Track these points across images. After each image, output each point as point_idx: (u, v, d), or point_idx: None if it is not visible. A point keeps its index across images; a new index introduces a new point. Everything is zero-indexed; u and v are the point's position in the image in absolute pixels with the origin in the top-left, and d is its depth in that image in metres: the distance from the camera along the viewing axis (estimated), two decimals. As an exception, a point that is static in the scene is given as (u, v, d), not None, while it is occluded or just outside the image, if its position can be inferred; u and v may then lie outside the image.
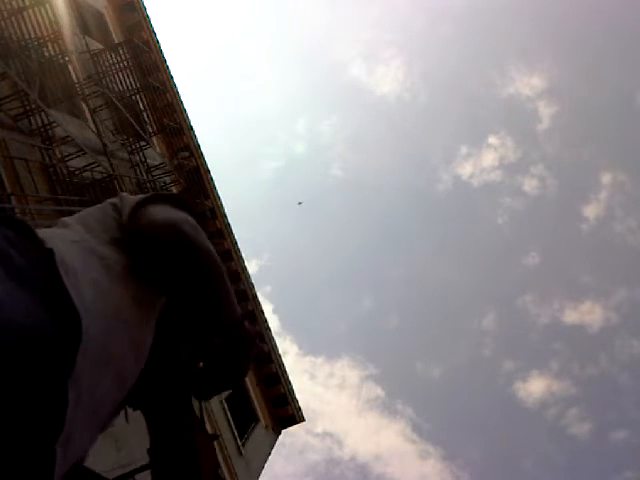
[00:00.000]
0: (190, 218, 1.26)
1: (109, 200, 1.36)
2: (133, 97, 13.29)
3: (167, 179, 13.51)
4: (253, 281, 15.26)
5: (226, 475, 11.23)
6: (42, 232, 1.12)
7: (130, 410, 1.33)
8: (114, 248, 1.17)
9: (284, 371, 15.15)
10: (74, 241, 1.14)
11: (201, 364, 1.30)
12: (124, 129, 12.47)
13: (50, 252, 1.02)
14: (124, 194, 1.37)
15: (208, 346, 1.27)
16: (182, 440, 1.28)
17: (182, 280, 1.23)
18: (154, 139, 14.08)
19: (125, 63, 12.84)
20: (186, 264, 1.21)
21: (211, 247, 1.25)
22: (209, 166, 15.25)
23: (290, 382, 15.24)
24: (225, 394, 11.84)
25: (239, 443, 12.19)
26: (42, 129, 9.25)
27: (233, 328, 1.26)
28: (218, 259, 1.25)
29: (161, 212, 1.24)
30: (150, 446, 1.30)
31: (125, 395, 1.16)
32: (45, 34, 9.89)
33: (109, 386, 1.05)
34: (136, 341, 1.14)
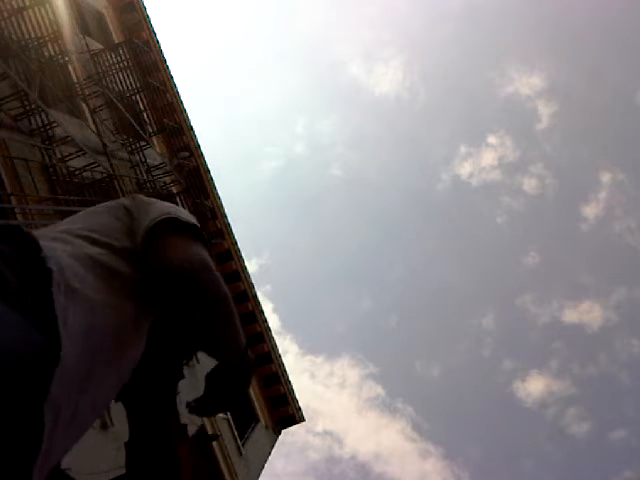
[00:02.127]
0: (208, 257, 1.25)
1: (122, 201, 1.34)
2: (133, 97, 13.29)
3: (167, 179, 13.52)
4: (253, 280, 15.27)
5: (226, 475, 11.23)
6: (47, 240, 1.11)
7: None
8: (122, 260, 1.17)
9: (284, 371, 15.15)
10: (81, 252, 1.13)
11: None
12: (124, 129, 12.48)
13: (49, 272, 1.01)
14: (138, 196, 1.36)
15: (212, 370, 1.32)
16: (162, 443, 1.31)
17: (191, 317, 1.25)
18: (154, 139, 14.08)
19: (125, 63, 12.84)
20: (199, 308, 1.22)
21: (224, 290, 1.25)
22: (209, 166, 15.27)
23: (290, 382, 15.25)
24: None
25: (239, 443, 12.19)
26: (42, 129, 9.25)
27: (236, 362, 1.30)
28: (231, 302, 1.27)
29: (179, 252, 1.22)
30: (129, 440, 1.33)
31: (110, 401, 1.18)
32: (45, 34, 9.89)
33: (92, 401, 1.06)
34: (126, 356, 1.15)
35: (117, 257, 1.17)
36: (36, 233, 1.13)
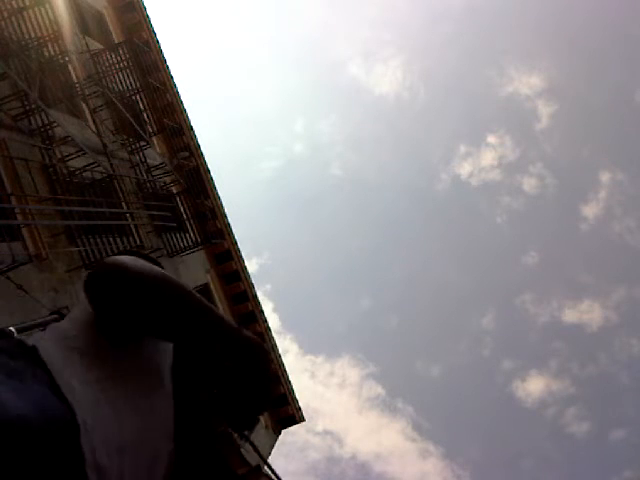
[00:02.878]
0: (138, 259, 1.16)
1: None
2: (133, 97, 13.29)
3: (167, 179, 13.51)
4: (253, 280, 15.27)
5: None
6: (29, 338, 1.12)
7: None
8: (89, 334, 1.13)
9: (284, 371, 15.14)
10: (56, 341, 1.11)
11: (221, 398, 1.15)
12: (124, 129, 12.47)
13: (34, 349, 1.03)
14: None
15: (222, 375, 1.12)
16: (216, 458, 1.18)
17: (154, 317, 1.11)
18: (154, 139, 14.07)
19: (125, 63, 12.84)
20: (139, 294, 1.08)
21: (160, 271, 1.13)
22: (209, 166, 15.26)
23: (290, 382, 15.24)
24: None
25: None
26: (42, 129, 9.25)
27: (230, 337, 1.11)
28: (174, 280, 1.12)
29: (103, 260, 1.19)
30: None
31: (166, 468, 1.09)
32: (45, 34, 9.88)
33: (137, 460, 1.02)
34: (148, 409, 1.08)
35: (85, 333, 1.14)
36: None
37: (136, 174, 12.23)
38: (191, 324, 1.10)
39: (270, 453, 14.15)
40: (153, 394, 1.11)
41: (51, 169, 9.25)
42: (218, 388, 1.14)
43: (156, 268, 1.13)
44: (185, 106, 15.22)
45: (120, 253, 1.25)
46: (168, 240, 12.55)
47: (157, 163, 13.17)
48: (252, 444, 1.25)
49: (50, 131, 9.38)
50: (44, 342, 1.08)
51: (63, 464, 0.88)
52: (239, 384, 1.12)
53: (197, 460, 1.21)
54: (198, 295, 1.13)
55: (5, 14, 9.36)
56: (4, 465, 0.81)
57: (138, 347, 1.15)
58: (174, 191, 13.74)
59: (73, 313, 1.23)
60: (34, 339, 1.09)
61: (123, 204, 10.91)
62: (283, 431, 15.15)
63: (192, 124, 15.23)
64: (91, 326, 1.13)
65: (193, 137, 15.19)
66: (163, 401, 1.12)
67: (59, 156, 9.54)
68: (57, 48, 10.21)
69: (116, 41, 14.13)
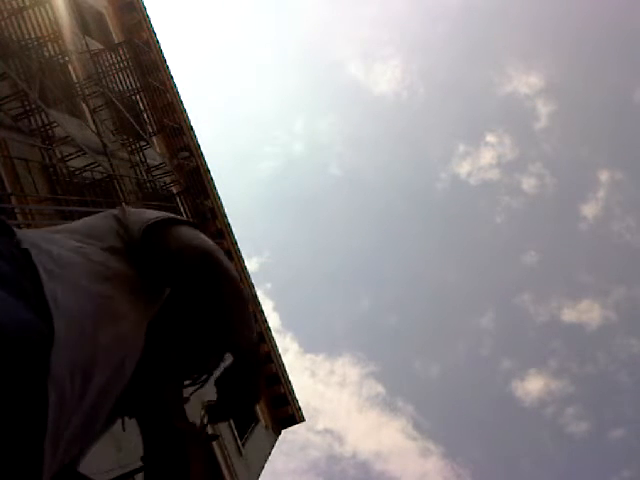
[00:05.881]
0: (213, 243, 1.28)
1: (111, 211, 1.35)
2: (133, 97, 13.29)
3: (167, 179, 13.51)
4: (253, 280, 15.28)
5: (226, 475, 11.22)
6: (30, 233, 1.12)
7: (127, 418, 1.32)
8: (112, 256, 1.16)
9: (284, 371, 15.14)
10: (69, 246, 1.12)
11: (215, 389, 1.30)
12: (124, 129, 12.47)
13: (26, 252, 1.02)
14: (127, 207, 1.37)
15: (222, 373, 1.29)
16: (173, 447, 1.26)
17: (203, 301, 1.26)
18: (154, 139, 14.07)
19: (125, 63, 12.83)
20: (215, 290, 1.23)
21: (235, 273, 1.28)
22: (209, 166, 15.26)
23: (290, 382, 15.24)
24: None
25: (239, 443, 12.19)
26: (42, 129, 9.24)
27: (249, 353, 1.27)
28: (245, 289, 1.29)
29: (192, 237, 1.26)
30: (143, 452, 1.29)
31: (115, 399, 1.14)
32: (45, 34, 9.88)
33: (99, 391, 1.04)
34: (126, 348, 1.12)
35: (108, 253, 1.17)
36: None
37: (136, 174, 12.23)
38: (227, 324, 1.26)
39: (270, 453, 14.15)
40: (132, 345, 1.16)
41: (51, 169, 9.25)
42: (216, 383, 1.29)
43: (234, 271, 1.28)
44: (185, 106, 15.23)
45: (184, 221, 1.33)
46: (168, 240, 12.52)
47: (157, 163, 13.17)
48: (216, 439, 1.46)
49: (50, 131, 9.38)
50: (45, 244, 1.08)
51: (28, 375, 0.89)
52: (232, 386, 1.28)
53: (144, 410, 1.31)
54: (248, 307, 1.30)
55: (5, 14, 9.36)
56: None
57: (157, 288, 1.23)
58: (174, 191, 13.74)
59: (91, 222, 1.28)
60: (32, 237, 1.08)
61: (123, 204, 10.90)
62: (283, 430, 15.15)
63: (192, 124, 15.24)
64: (114, 249, 1.19)
65: (193, 137, 15.19)
66: (132, 358, 1.17)
67: (59, 156, 9.54)
68: (57, 48, 10.21)
69: (116, 41, 14.13)
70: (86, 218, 1.33)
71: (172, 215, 1.33)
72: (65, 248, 1.11)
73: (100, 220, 1.29)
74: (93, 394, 1.02)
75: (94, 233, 1.22)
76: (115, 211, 1.34)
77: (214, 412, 1.32)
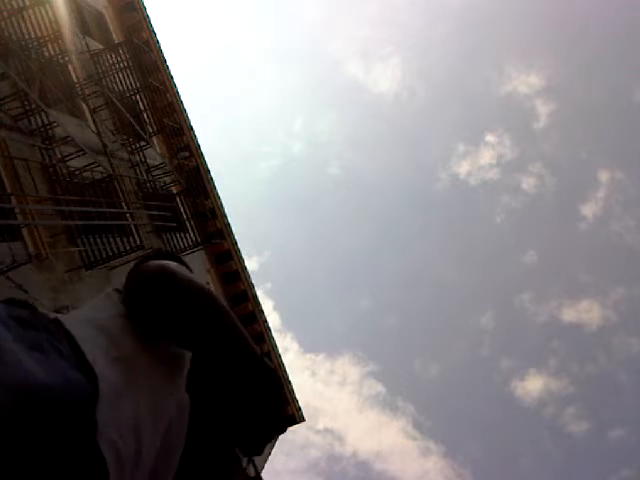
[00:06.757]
0: (181, 266, 1.20)
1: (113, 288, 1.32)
2: (133, 97, 13.29)
3: (167, 179, 13.51)
4: (253, 280, 15.28)
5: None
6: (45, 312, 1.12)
7: None
8: (119, 321, 1.14)
9: (284, 371, 15.14)
10: (81, 320, 1.12)
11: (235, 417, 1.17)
12: (124, 129, 12.47)
13: (57, 321, 1.04)
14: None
15: (239, 394, 1.15)
16: None
17: (189, 325, 1.14)
18: (154, 139, 14.08)
19: (125, 63, 12.84)
20: (183, 304, 1.13)
21: (203, 285, 1.17)
22: (209, 166, 15.26)
23: (290, 382, 15.23)
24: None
25: (239, 443, 12.18)
26: (42, 129, 9.24)
27: (256, 364, 1.15)
28: (216, 296, 1.18)
29: (151, 262, 1.20)
30: None
31: (174, 469, 1.10)
32: (45, 34, 9.89)
33: (156, 453, 1.02)
34: (161, 408, 1.08)
35: (115, 319, 1.14)
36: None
37: (136, 174, 12.23)
38: (220, 342, 1.14)
39: (270, 453, 14.14)
40: (169, 387, 1.13)
41: (51, 169, 9.25)
42: (230, 409, 1.17)
43: (200, 281, 1.18)
44: (185, 106, 15.24)
45: (157, 253, 1.28)
46: (168, 240, 12.55)
47: (157, 163, 13.17)
48: (255, 467, 1.31)
49: (50, 131, 9.38)
50: (65, 318, 1.08)
51: (78, 434, 0.88)
52: (252, 408, 1.15)
53: (201, 473, 1.23)
54: (232, 314, 1.18)
55: (5, 14, 9.36)
56: (23, 432, 0.82)
57: (163, 343, 1.17)
58: (174, 191, 13.74)
59: (94, 302, 1.25)
60: (54, 315, 1.09)
61: (123, 204, 10.90)
62: (283, 431, 15.14)
63: (192, 124, 15.25)
64: (120, 315, 1.16)
65: (193, 137, 15.20)
66: (173, 397, 1.14)
67: (59, 156, 9.54)
68: (57, 48, 10.21)
69: (116, 41, 14.13)
70: (95, 300, 1.29)
71: (147, 256, 1.26)
72: (82, 321, 1.11)
73: (105, 295, 1.26)
74: (151, 458, 1.01)
75: (104, 307, 1.20)
76: (117, 287, 1.30)
77: (250, 444, 1.19)
